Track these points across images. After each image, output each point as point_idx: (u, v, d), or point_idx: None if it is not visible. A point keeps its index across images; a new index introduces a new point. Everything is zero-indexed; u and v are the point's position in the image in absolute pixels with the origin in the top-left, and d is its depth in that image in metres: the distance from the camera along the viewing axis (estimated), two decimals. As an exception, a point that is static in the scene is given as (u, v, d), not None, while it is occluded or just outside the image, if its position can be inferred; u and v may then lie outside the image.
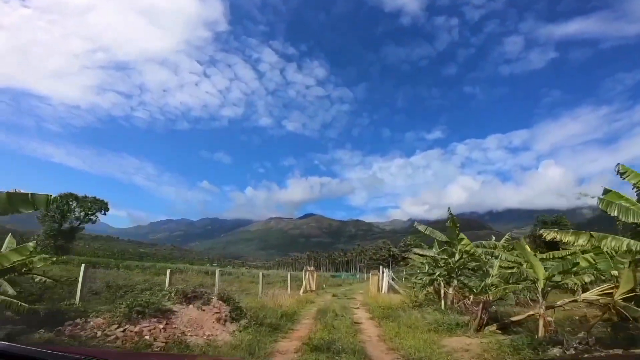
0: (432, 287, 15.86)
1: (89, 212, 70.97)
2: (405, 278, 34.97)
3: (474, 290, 9.11)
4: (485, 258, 12.91)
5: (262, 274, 17.91)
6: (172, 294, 9.15)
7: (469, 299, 12.00)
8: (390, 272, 24.84)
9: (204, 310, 8.58)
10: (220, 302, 8.81)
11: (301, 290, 19.91)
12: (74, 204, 70.38)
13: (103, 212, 72.52)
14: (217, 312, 8.53)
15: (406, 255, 22.64)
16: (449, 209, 13.33)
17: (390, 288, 21.55)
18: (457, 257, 13.27)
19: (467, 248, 9.03)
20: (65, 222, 67.78)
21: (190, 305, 8.79)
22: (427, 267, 18.96)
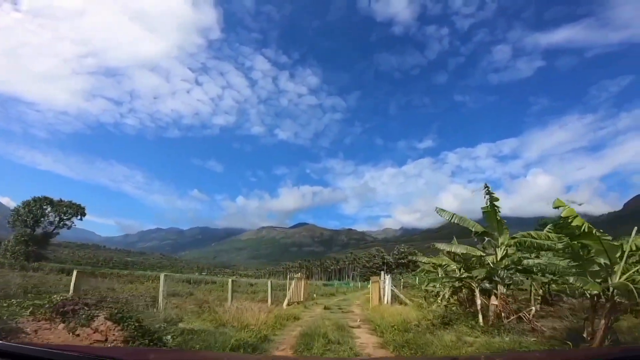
0: (456, 297, 11.95)
1: (64, 217, 66.66)
2: (404, 286, 30.97)
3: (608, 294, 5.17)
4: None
5: (232, 280, 13.69)
6: (45, 305, 5.19)
7: (528, 312, 8.17)
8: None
9: (77, 334, 4.55)
10: (109, 322, 4.75)
11: (285, 302, 15.77)
12: (48, 208, 66.32)
13: (79, 217, 68.04)
14: (98, 340, 4.49)
15: (415, 259, 18.99)
16: (485, 185, 9.51)
17: (394, 298, 17.56)
18: (499, 253, 9.41)
19: (580, 224, 5.06)
20: (38, 227, 63.69)
21: (62, 325, 4.77)
22: (440, 272, 15.09)
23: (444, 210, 10.20)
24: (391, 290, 17.70)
